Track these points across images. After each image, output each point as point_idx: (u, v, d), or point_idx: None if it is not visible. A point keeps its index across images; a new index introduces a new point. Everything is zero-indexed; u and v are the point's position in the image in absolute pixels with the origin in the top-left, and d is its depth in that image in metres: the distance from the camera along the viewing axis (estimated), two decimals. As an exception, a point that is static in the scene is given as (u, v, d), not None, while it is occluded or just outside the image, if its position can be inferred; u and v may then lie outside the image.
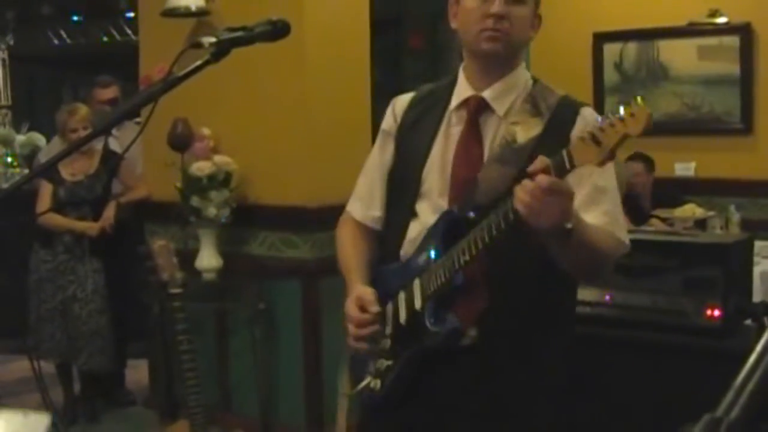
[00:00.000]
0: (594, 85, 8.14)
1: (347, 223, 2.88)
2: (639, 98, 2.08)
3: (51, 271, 5.89)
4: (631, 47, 8.04)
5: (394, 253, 2.69)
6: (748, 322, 3.87)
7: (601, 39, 8.11)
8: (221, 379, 5.58)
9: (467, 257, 2.41)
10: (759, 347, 0.99)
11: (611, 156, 2.13)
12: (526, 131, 2.56)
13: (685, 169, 7.33)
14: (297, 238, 5.13)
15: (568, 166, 2.18)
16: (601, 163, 2.15)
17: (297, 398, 5.24)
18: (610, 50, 8.11)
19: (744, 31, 7.54)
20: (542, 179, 2.18)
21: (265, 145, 5.25)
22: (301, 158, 5.14)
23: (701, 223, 6.33)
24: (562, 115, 2.59)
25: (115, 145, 6.32)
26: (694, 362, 3.73)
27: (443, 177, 2.63)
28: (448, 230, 2.53)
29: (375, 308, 2.60)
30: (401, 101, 2.82)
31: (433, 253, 2.54)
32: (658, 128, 7.15)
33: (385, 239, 2.79)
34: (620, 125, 2.07)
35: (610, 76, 8.13)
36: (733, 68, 7.60)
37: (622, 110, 2.08)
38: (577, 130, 2.50)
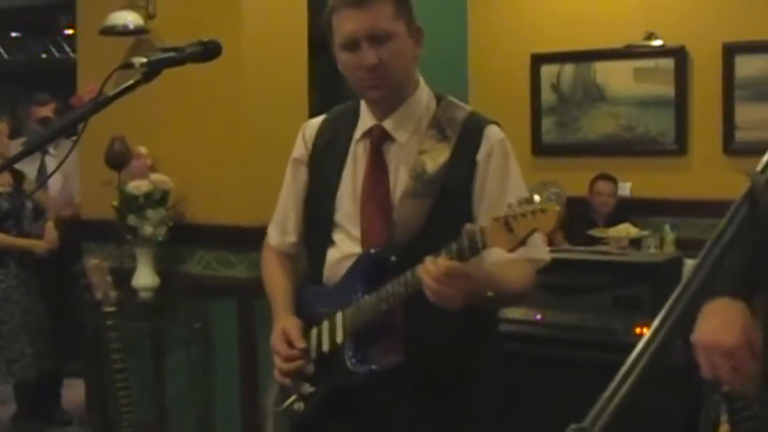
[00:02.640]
0: (531, 105, 8.23)
1: (271, 248, 2.92)
2: (554, 191, 2.17)
3: (5, 290, 5.86)
4: (569, 68, 8.12)
5: (318, 276, 2.72)
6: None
7: (538, 60, 8.19)
8: (157, 398, 5.55)
9: (386, 306, 2.46)
10: (629, 360, 1.03)
11: (522, 244, 2.20)
12: (435, 159, 2.57)
13: (621, 188, 7.42)
14: (233, 257, 5.12)
15: (480, 246, 2.24)
16: (511, 250, 2.22)
17: (233, 417, 5.22)
18: (548, 71, 8.20)
19: (679, 54, 7.67)
20: (442, 264, 2.24)
21: (202, 164, 5.24)
22: (239, 177, 5.14)
23: (636, 243, 6.42)
24: (469, 137, 2.60)
25: (52, 164, 6.32)
26: (625, 380, 3.79)
27: (355, 208, 2.66)
28: (370, 271, 2.56)
29: (301, 344, 2.63)
30: (311, 127, 2.84)
31: (356, 292, 2.57)
32: (594, 149, 7.26)
33: (308, 261, 2.81)
34: (532, 219, 2.14)
35: (547, 96, 8.20)
36: (668, 90, 7.72)
37: (537, 198, 2.15)
38: (483, 154, 2.57)
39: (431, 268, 2.25)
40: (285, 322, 2.68)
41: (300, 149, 2.83)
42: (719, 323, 1.95)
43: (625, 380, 1.01)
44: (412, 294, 2.37)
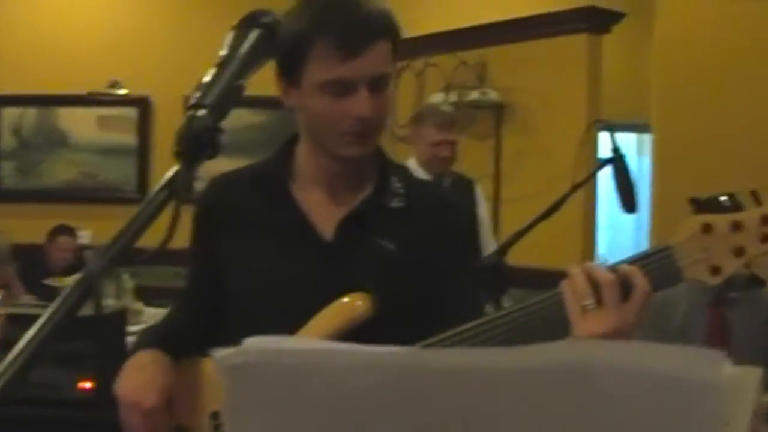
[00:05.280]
0: (-9, 150, 7.99)
1: None
2: None
3: None
4: (31, 112, 7.98)
5: None
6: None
7: (0, 102, 7.96)
8: None
9: None
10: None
11: None
12: None
13: (82, 237, 7.35)
14: None
15: None
16: None
17: None
18: (10, 114, 7.99)
19: (142, 104, 7.85)
20: None
21: None
22: None
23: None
24: None
25: None
26: (69, 434, 3.78)
27: None
28: None
29: None
30: None
31: None
32: (55, 195, 7.12)
33: None
34: None
35: (8, 141, 8.00)
36: (131, 138, 7.85)
37: None
38: None
39: None
40: None
41: None
42: (142, 382, 2.00)
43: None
44: None
